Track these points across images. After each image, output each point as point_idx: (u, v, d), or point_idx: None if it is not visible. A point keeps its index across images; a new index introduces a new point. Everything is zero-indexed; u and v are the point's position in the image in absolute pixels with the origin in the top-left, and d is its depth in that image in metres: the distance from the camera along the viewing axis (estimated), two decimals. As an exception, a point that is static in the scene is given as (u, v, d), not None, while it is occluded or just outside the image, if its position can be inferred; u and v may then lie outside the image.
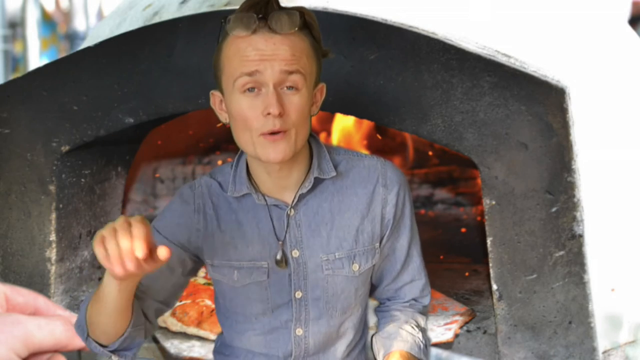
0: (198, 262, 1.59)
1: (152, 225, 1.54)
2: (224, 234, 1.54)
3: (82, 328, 1.42)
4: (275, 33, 1.38)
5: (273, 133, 1.39)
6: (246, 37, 1.38)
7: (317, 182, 1.53)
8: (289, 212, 1.52)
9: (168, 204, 1.60)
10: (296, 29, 1.39)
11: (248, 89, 1.39)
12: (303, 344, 1.57)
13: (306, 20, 1.42)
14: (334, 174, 1.52)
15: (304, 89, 1.40)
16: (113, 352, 1.44)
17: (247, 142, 1.43)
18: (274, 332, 1.58)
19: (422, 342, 1.59)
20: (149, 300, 1.51)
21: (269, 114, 1.37)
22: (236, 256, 1.54)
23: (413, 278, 1.64)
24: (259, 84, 1.38)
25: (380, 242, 1.57)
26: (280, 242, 1.52)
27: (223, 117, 1.48)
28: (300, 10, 1.42)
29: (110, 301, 1.34)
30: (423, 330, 1.63)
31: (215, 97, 1.49)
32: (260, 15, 1.38)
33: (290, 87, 1.39)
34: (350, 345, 1.62)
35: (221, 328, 1.68)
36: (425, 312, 1.68)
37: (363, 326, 1.66)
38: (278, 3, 1.42)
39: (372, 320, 1.71)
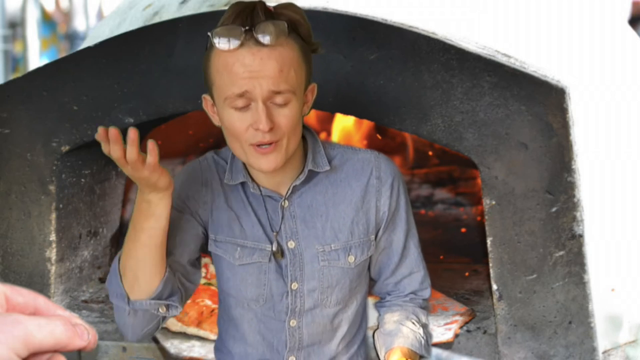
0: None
1: None
2: (230, 210, 1.56)
3: (122, 294, 1.47)
4: (262, 46, 1.37)
5: (263, 145, 1.40)
6: (233, 52, 1.37)
7: (312, 175, 1.55)
8: (282, 204, 1.53)
9: (176, 178, 1.60)
10: (283, 38, 1.38)
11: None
12: (297, 334, 1.58)
13: (293, 22, 1.41)
14: (327, 168, 1.54)
15: (293, 100, 1.41)
16: (159, 298, 1.47)
17: (238, 151, 1.46)
18: (268, 323, 1.59)
19: (423, 337, 1.60)
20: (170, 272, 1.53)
21: (258, 128, 1.39)
22: (242, 234, 1.55)
23: (411, 270, 1.64)
24: (248, 100, 1.39)
25: (376, 235, 1.59)
26: (274, 233, 1.54)
27: (215, 120, 1.50)
28: (286, 16, 1.40)
29: (151, 237, 1.41)
30: (424, 326, 1.63)
31: (207, 100, 1.50)
32: (246, 27, 1.37)
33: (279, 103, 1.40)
34: (346, 339, 1.63)
35: (218, 322, 1.69)
36: (425, 306, 1.68)
37: (360, 321, 1.67)
38: (264, 9, 1.40)
39: (372, 318, 1.71)
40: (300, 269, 1.55)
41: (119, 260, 1.49)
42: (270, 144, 1.40)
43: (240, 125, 1.40)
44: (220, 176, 1.57)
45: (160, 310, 1.49)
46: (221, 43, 1.37)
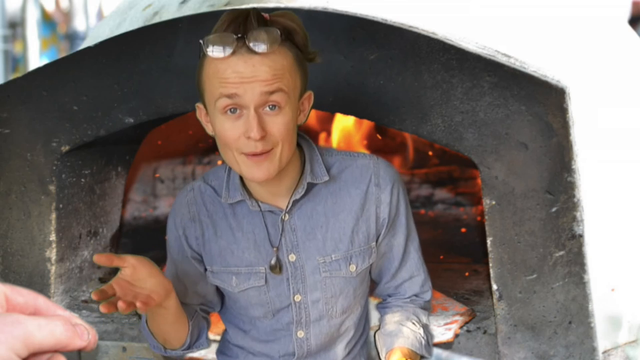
0: None
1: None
2: (220, 240, 1.55)
3: (159, 347, 1.59)
4: (254, 54, 1.34)
5: (255, 155, 1.38)
6: (225, 59, 1.35)
7: (310, 186, 1.52)
8: (283, 218, 1.52)
9: (168, 221, 1.62)
10: (276, 46, 1.36)
11: (230, 110, 1.37)
12: (305, 345, 1.58)
13: (288, 30, 1.39)
14: (326, 178, 1.52)
15: (287, 106, 1.38)
16: (188, 347, 1.60)
17: (231, 160, 1.43)
18: (276, 334, 1.59)
19: (423, 338, 1.60)
20: (190, 306, 1.61)
21: (249, 137, 1.36)
22: (234, 262, 1.55)
23: (412, 275, 1.64)
24: (239, 105, 1.37)
25: (377, 242, 1.58)
26: (274, 248, 1.53)
27: (209, 129, 1.48)
28: (281, 24, 1.38)
29: (166, 316, 1.50)
30: (425, 326, 1.63)
31: (200, 109, 1.48)
32: (238, 35, 1.35)
33: (272, 107, 1.37)
34: (351, 343, 1.63)
35: (225, 327, 1.69)
36: (427, 307, 1.68)
37: (364, 323, 1.67)
38: (258, 16, 1.38)
39: (374, 318, 1.72)
40: (302, 281, 1.54)
41: (147, 320, 1.56)
42: (262, 154, 1.38)
43: (232, 134, 1.38)
44: (207, 207, 1.56)
45: (191, 352, 1.63)
46: (213, 51, 1.35)
